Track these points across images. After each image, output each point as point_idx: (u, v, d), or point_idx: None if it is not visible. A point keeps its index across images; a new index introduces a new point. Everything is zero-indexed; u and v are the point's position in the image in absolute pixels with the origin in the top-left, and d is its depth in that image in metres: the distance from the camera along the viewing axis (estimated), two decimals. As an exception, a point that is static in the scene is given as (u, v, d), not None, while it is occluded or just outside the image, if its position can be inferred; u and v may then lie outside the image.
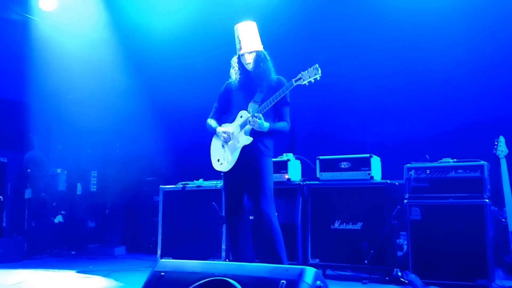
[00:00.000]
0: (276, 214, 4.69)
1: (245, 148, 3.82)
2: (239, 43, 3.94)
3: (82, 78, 7.03)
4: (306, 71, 3.67)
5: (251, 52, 3.89)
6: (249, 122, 3.74)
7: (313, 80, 3.65)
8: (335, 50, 6.14)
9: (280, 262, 3.64)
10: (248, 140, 3.80)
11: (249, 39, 3.91)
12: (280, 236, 3.75)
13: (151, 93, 7.35)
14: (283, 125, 3.91)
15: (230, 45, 4.08)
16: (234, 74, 4.01)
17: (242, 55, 3.93)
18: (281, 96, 3.71)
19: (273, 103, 3.73)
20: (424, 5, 5.82)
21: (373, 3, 6.09)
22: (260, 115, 3.70)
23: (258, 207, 3.73)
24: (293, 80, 3.70)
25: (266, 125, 3.74)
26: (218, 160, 3.98)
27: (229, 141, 3.90)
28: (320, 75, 3.64)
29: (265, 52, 3.95)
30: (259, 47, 3.94)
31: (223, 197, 4.14)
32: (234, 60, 4.01)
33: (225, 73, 4.13)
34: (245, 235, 3.91)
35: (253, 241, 3.98)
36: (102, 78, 7.17)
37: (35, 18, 6.89)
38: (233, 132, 3.89)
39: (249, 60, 3.90)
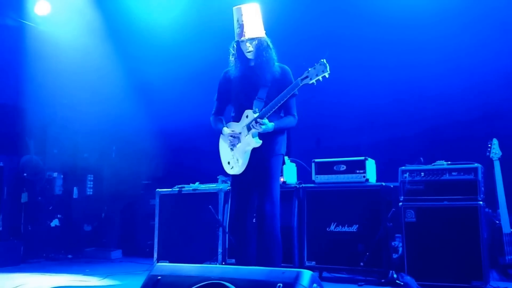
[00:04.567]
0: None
1: (254, 149, 3.63)
2: (239, 27, 3.57)
3: (77, 82, 7.05)
4: (313, 68, 3.38)
5: (253, 38, 3.58)
6: (253, 126, 3.54)
7: (321, 78, 3.36)
8: (330, 52, 6.17)
9: (273, 265, 3.52)
10: (257, 143, 3.58)
11: (251, 24, 3.54)
12: (279, 240, 3.62)
13: (147, 96, 7.37)
14: (289, 120, 3.70)
15: (227, 43, 3.85)
16: (234, 62, 3.71)
17: (243, 41, 3.60)
18: (285, 98, 3.45)
19: (276, 107, 3.48)
20: (415, 7, 5.83)
21: (364, 7, 6.13)
22: (264, 120, 3.50)
23: (262, 207, 3.59)
24: (299, 79, 3.43)
25: (271, 125, 3.54)
26: (229, 163, 3.77)
27: (237, 143, 3.70)
28: (329, 72, 3.33)
29: (268, 39, 3.64)
30: (262, 33, 3.61)
31: (230, 199, 3.94)
32: (234, 47, 3.69)
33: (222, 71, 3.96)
34: (252, 239, 3.70)
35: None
36: (97, 82, 7.18)
37: (30, 24, 6.90)
38: (240, 133, 3.67)
39: (250, 48, 3.58)
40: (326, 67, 3.36)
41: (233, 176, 3.79)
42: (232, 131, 3.72)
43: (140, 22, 7.15)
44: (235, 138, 3.69)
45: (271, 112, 3.52)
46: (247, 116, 3.67)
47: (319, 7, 6.34)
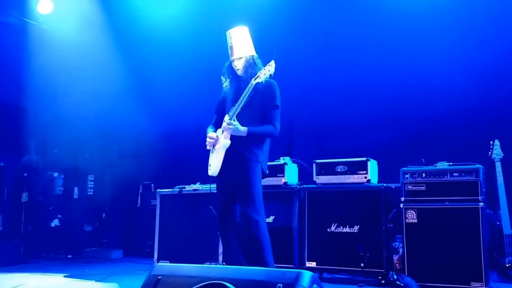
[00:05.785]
0: (273, 216, 4.70)
1: (232, 154, 3.80)
2: (230, 48, 4.00)
3: (79, 81, 7.05)
4: (263, 69, 3.78)
5: (240, 57, 3.94)
6: (224, 128, 3.80)
7: (268, 76, 3.76)
8: (331, 54, 6.18)
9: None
10: (226, 142, 3.79)
11: (239, 45, 3.95)
12: (268, 242, 3.70)
13: (149, 96, 7.37)
14: (267, 128, 3.84)
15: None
16: (225, 80, 4.07)
17: (233, 60, 3.98)
18: (245, 99, 3.74)
19: (240, 106, 3.75)
20: (420, 7, 5.84)
21: (367, 11, 6.13)
22: (233, 121, 3.72)
23: (245, 212, 3.71)
24: (252, 79, 3.77)
25: (243, 129, 3.73)
26: (210, 166, 3.99)
27: (215, 145, 3.94)
28: (274, 70, 3.76)
29: (255, 57, 3.98)
30: (249, 52, 3.97)
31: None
32: (226, 66, 4.07)
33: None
34: (237, 240, 3.83)
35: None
36: (99, 81, 7.18)
37: (33, 22, 6.90)
38: (218, 137, 3.93)
39: (239, 66, 3.95)
40: (272, 67, 3.77)
41: (217, 179, 3.97)
42: (211, 135, 4.00)
43: (144, 21, 7.16)
44: (213, 141, 3.95)
45: (237, 111, 3.77)
46: (224, 121, 3.90)
47: (320, 9, 6.34)
